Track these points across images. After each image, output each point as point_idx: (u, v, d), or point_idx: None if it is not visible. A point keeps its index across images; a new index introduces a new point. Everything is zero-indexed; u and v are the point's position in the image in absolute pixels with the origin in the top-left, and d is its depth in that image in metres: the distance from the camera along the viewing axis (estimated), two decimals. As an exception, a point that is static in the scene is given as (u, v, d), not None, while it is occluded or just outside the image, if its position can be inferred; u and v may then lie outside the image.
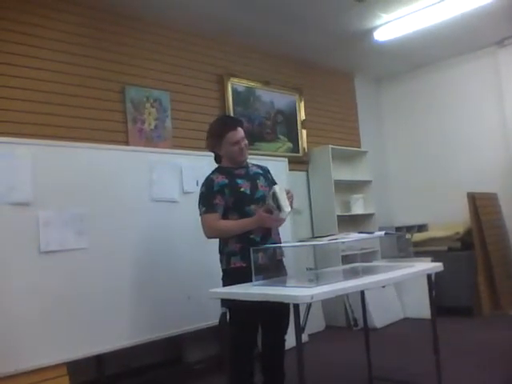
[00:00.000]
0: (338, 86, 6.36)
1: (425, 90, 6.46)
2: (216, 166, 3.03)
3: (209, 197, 2.84)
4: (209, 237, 2.87)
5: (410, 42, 5.45)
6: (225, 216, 2.84)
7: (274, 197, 2.67)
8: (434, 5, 4.61)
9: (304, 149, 5.71)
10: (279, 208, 2.66)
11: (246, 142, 2.95)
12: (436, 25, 4.99)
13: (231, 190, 2.83)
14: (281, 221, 2.79)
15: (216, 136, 2.91)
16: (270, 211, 2.72)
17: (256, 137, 5.14)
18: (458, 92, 6.15)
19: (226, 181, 2.85)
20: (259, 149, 5.08)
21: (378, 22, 4.93)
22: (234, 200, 2.82)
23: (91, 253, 3.22)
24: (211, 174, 2.94)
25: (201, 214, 2.86)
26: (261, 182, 2.93)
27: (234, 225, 2.81)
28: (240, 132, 2.88)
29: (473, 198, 5.37)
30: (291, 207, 2.76)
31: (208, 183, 2.88)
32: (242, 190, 2.85)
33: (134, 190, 3.53)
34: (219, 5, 4.31)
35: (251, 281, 2.56)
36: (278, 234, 3.01)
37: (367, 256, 5.48)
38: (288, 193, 2.77)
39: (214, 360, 4.08)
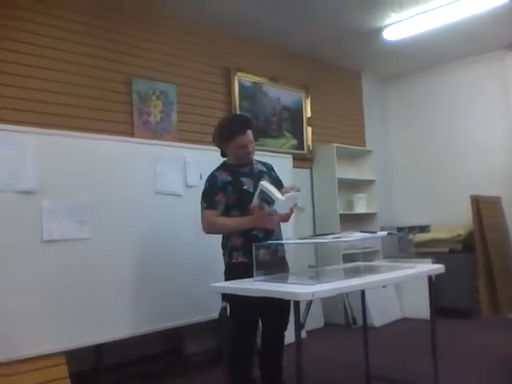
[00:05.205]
0: (344, 84, 6.35)
1: (432, 91, 6.44)
2: (221, 160, 3.03)
3: (211, 193, 2.86)
4: (207, 232, 2.89)
5: (418, 43, 5.43)
6: (227, 212, 2.86)
7: (265, 193, 2.68)
8: (443, 6, 4.59)
9: (309, 146, 5.71)
10: (273, 201, 2.66)
11: (254, 144, 2.96)
12: (445, 26, 4.98)
13: (234, 187, 2.85)
14: (276, 216, 2.77)
15: (224, 137, 2.91)
16: (261, 209, 2.74)
17: (261, 132, 5.13)
18: (465, 94, 6.13)
19: (230, 178, 2.87)
20: (264, 145, 5.08)
21: (387, 21, 4.92)
22: (236, 197, 2.84)
23: (93, 243, 3.23)
24: (216, 170, 2.96)
25: (202, 209, 2.89)
26: (264, 180, 2.93)
27: (231, 222, 2.83)
28: (249, 136, 2.88)
29: (476, 201, 5.36)
30: (296, 203, 2.78)
31: (212, 179, 2.90)
32: (245, 187, 2.86)
33: (137, 182, 3.54)
34: (229, -1, 4.31)
35: (253, 276, 2.56)
36: (281, 231, 3.02)
37: (368, 255, 5.48)
38: (292, 188, 2.78)
39: (211, 353, 4.10)
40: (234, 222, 2.83)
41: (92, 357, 3.36)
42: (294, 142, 5.58)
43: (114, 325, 3.29)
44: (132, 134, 4.07)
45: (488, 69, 5.95)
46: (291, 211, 2.90)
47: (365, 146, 6.38)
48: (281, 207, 2.70)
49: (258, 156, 3.16)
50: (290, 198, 2.74)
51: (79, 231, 3.18)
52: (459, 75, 6.19)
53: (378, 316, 5.16)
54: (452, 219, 5.86)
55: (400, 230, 5.90)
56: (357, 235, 2.99)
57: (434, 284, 3.04)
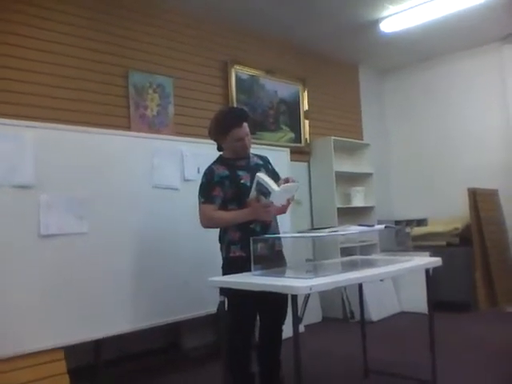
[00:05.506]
0: (341, 76, 6.33)
1: (429, 83, 6.43)
2: (218, 153, 3.02)
3: (208, 188, 2.85)
4: (205, 226, 2.89)
5: (415, 35, 5.41)
6: (224, 206, 2.85)
7: (261, 184, 2.67)
8: (441, -2, 4.59)
9: (306, 139, 5.69)
10: (269, 193, 2.65)
11: (250, 136, 2.94)
12: (442, 18, 4.97)
13: (231, 181, 2.84)
14: (272, 207, 2.76)
15: (220, 131, 2.89)
16: (258, 202, 2.73)
17: (258, 126, 5.12)
18: (462, 87, 6.12)
19: (227, 172, 2.86)
20: (261, 138, 5.07)
21: (384, 13, 4.90)
22: (233, 191, 2.83)
23: (91, 237, 3.21)
24: (212, 164, 2.95)
25: (199, 204, 2.88)
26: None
27: (228, 216, 2.82)
28: (245, 128, 2.87)
29: (473, 194, 5.36)
30: (293, 195, 2.78)
31: (209, 174, 2.89)
32: (242, 181, 2.85)
33: (134, 176, 3.52)
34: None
35: (250, 270, 2.56)
36: (278, 225, 3.01)
37: (366, 249, 5.48)
38: (288, 180, 2.78)
39: (210, 347, 4.10)
40: (231, 215, 2.82)
41: (90, 352, 3.35)
42: (292, 135, 5.56)
43: (114, 320, 3.28)
44: (129, 128, 4.05)
45: (485, 61, 5.94)
46: (288, 203, 2.88)
47: (362, 140, 6.37)
48: (277, 198, 2.69)
49: (255, 150, 3.14)
50: (287, 190, 2.73)
51: (77, 226, 3.16)
52: (456, 67, 6.18)
53: (376, 310, 5.17)
54: (449, 212, 5.86)
55: (397, 223, 5.89)
56: (354, 229, 2.99)
57: (432, 277, 3.04)
